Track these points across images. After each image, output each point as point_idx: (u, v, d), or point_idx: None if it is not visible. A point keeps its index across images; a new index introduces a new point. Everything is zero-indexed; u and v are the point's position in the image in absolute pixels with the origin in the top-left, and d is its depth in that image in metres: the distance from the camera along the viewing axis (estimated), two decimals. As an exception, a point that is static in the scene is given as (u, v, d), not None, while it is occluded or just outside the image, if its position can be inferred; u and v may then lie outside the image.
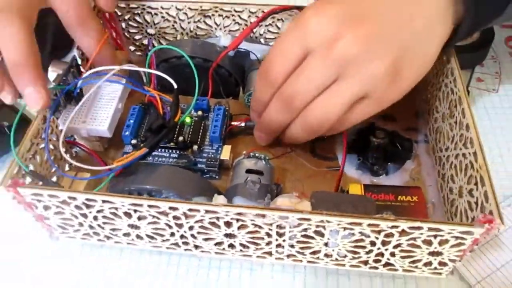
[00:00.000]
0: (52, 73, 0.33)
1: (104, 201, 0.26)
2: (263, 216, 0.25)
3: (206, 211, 0.26)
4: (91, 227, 0.29)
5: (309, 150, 0.36)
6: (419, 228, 0.24)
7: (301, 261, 0.29)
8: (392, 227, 0.24)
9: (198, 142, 0.34)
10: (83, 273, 0.33)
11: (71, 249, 0.34)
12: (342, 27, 0.27)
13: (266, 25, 0.38)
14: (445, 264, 0.28)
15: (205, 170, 0.34)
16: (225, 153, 0.34)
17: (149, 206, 0.26)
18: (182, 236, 0.29)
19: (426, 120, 0.37)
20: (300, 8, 0.35)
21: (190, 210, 0.26)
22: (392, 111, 0.36)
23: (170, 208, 0.26)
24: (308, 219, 0.25)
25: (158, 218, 0.27)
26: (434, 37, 0.29)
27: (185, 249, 0.30)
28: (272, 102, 0.31)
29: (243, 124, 0.36)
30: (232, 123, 0.36)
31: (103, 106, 0.33)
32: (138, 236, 0.29)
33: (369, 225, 0.24)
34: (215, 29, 0.39)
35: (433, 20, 0.28)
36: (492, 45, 0.46)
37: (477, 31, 0.31)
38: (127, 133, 0.34)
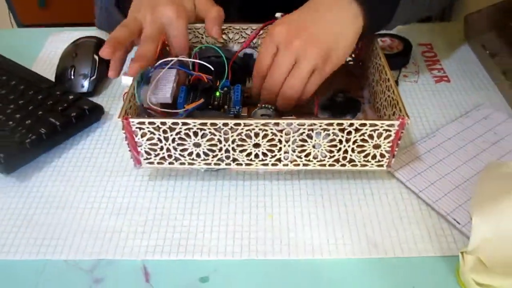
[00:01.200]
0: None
1: (183, 123, 0.44)
2: (278, 124, 0.44)
3: (245, 125, 0.44)
4: (168, 150, 0.47)
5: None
6: (364, 124, 0.44)
7: (299, 164, 0.48)
8: (350, 124, 0.44)
9: (227, 104, 0.52)
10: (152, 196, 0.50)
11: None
12: (294, 32, 0.48)
13: (262, 37, 0.59)
14: (383, 156, 0.47)
15: (232, 122, 0.52)
16: (244, 111, 0.53)
17: (211, 124, 0.44)
18: (226, 151, 0.46)
19: (368, 91, 0.58)
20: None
21: (235, 124, 0.44)
22: (347, 87, 0.57)
23: (224, 124, 0.44)
24: (303, 124, 0.44)
25: (214, 134, 0.45)
26: (348, 35, 0.49)
27: (226, 164, 0.48)
28: (262, 90, 0.51)
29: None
30: (245, 95, 0.55)
31: (165, 84, 0.51)
32: (197, 155, 0.47)
33: (337, 124, 0.44)
34: (228, 41, 0.60)
35: (346, 25, 0.49)
36: (412, 54, 0.70)
37: (379, 31, 0.53)
38: (180, 100, 0.52)
